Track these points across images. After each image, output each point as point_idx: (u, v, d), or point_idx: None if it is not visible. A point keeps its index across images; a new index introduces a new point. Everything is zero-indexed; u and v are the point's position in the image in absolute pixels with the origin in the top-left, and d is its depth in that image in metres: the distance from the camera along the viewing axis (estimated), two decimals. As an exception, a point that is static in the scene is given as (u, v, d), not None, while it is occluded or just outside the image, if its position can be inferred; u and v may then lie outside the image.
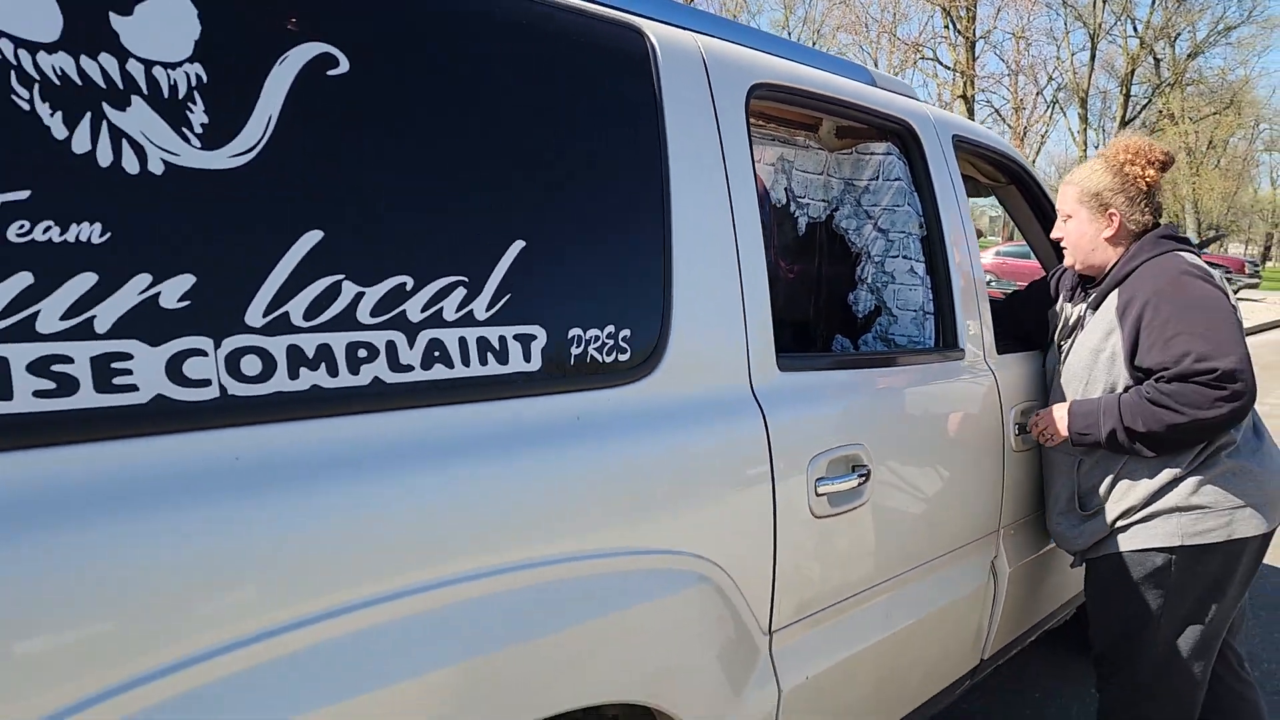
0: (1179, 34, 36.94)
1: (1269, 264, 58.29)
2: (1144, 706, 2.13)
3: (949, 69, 33.92)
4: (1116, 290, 2.10)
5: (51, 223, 0.84)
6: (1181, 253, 2.07)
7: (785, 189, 2.45)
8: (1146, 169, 2.12)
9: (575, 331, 1.27)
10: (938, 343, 2.17)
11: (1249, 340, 2.07)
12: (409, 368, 1.09)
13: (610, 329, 1.32)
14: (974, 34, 32.60)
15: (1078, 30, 36.97)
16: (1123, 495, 2.10)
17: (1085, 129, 36.93)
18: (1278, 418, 7.92)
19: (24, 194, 0.82)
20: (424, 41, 1.16)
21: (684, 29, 1.61)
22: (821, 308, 2.58)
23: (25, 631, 0.80)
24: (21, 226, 0.82)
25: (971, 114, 30.97)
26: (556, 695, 1.20)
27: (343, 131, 1.07)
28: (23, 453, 0.81)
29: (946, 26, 33.19)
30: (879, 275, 2.31)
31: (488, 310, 1.17)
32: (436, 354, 1.11)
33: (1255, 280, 26.83)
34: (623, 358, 1.34)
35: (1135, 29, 36.74)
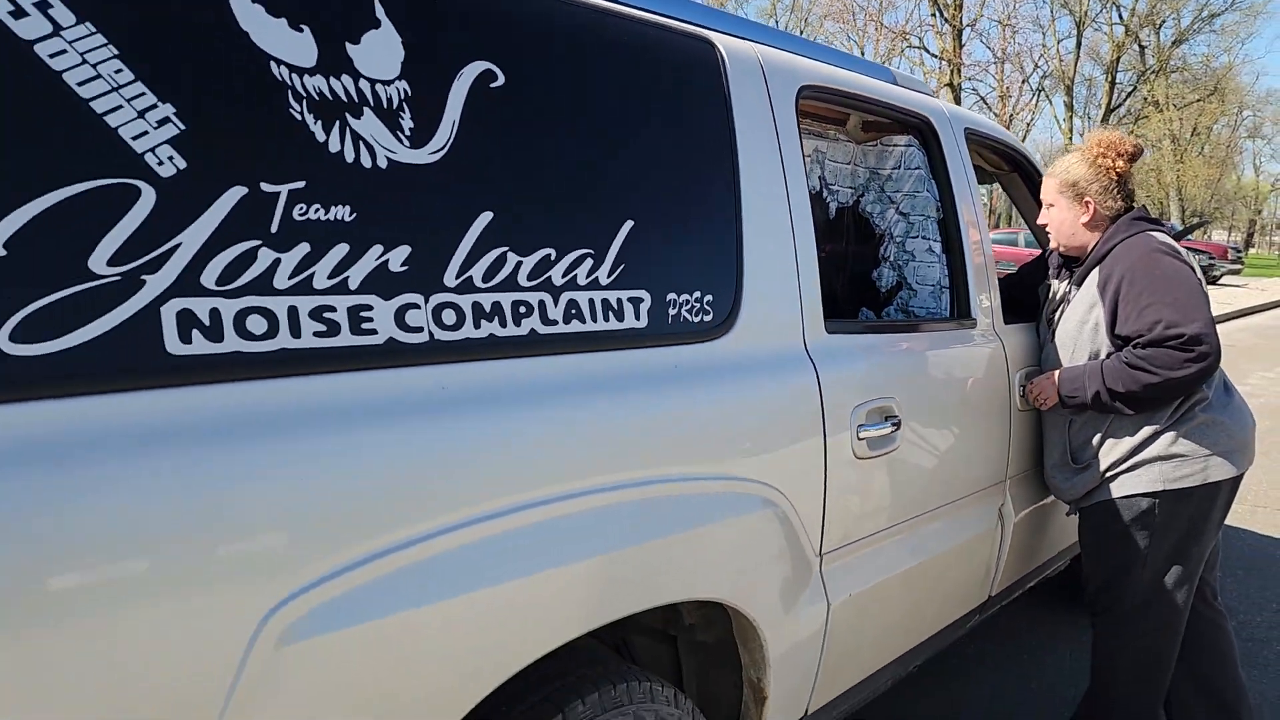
0: (1163, 21, 37.38)
1: (1251, 250, 59.00)
2: (1134, 637, 2.41)
3: (936, 57, 34.23)
4: (1097, 268, 2.37)
5: (319, 205, 1.10)
6: (1152, 232, 2.35)
7: (819, 177, 2.73)
8: (1117, 160, 2.40)
9: (671, 295, 1.55)
10: (953, 313, 2.45)
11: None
12: (555, 322, 1.36)
13: (697, 294, 1.60)
14: (961, 22, 32.87)
15: (1064, 18, 37.47)
16: (1110, 449, 2.38)
17: (1071, 116, 37.35)
18: (1259, 397, 8.22)
19: (301, 184, 1.09)
20: (565, 58, 1.43)
21: (745, 39, 1.87)
22: (850, 283, 2.86)
23: (329, 504, 1.08)
24: (301, 209, 1.08)
25: (958, 102, 31.23)
26: (664, 588, 1.49)
27: (502, 133, 1.33)
28: (307, 378, 1.08)
29: (933, 14, 33.43)
30: (900, 254, 2.59)
31: (609, 276, 1.44)
32: (573, 311, 1.39)
33: (1238, 266, 27.27)
34: (707, 318, 1.61)
35: (1120, 16, 37.17)
